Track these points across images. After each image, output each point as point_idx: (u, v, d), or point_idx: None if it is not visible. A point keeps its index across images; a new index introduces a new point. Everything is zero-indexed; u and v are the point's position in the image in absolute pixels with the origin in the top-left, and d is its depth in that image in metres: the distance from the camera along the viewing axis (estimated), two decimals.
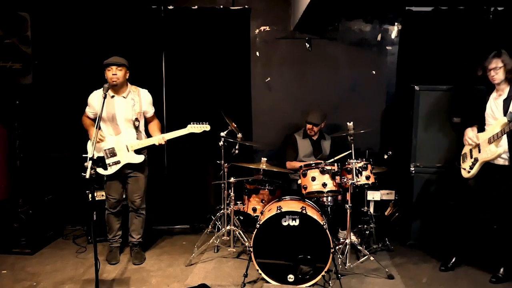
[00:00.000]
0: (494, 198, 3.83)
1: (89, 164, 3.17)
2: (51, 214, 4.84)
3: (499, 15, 4.73)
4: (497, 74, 3.65)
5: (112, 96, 4.00)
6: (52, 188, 4.98)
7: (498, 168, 3.72)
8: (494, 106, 3.75)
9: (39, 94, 4.91)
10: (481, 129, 3.87)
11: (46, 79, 4.88)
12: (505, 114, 3.65)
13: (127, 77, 4.04)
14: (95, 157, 3.33)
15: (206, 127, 4.09)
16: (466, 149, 3.98)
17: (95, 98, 4.06)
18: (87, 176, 3.15)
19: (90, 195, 3.66)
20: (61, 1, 4.91)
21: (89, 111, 4.12)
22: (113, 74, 3.91)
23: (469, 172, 3.85)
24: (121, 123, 4.02)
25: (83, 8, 4.93)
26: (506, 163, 3.69)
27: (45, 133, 5.07)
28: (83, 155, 3.99)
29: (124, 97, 4.03)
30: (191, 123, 4.08)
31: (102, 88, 3.67)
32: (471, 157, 3.87)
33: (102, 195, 4.53)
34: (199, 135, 4.06)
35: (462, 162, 3.97)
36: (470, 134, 3.86)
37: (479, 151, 3.79)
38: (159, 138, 4.04)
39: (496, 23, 4.72)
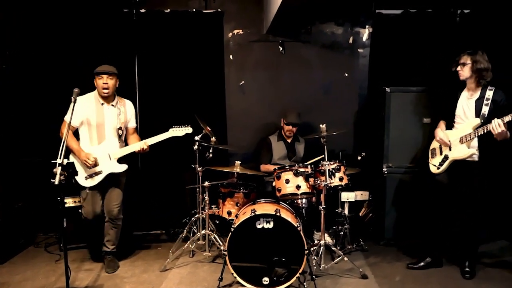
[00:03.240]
0: (465, 194, 3.90)
1: (58, 170, 3.12)
2: (22, 221, 4.73)
3: (465, 18, 4.88)
4: (463, 70, 3.75)
5: (102, 104, 3.96)
6: (23, 195, 4.85)
7: (468, 164, 3.81)
8: (466, 106, 3.82)
9: (8, 98, 4.80)
10: (448, 125, 3.96)
11: (15, 84, 4.78)
12: (477, 115, 3.73)
13: (117, 86, 4.01)
14: (64, 163, 3.25)
15: (188, 129, 4.04)
16: (435, 144, 4.05)
17: (81, 105, 3.87)
18: (56, 182, 3.09)
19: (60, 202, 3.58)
20: (30, 4, 4.82)
21: (74, 119, 3.83)
22: (104, 83, 3.87)
23: (438, 168, 3.92)
24: (108, 131, 3.97)
25: (53, 12, 4.85)
26: (476, 159, 3.79)
27: (15, 138, 4.94)
28: (53, 161, 3.92)
29: (113, 106, 4.00)
30: (173, 126, 4.04)
31: (93, 95, 3.67)
32: (441, 154, 3.94)
33: (75, 202, 4.47)
34: (173, 138, 4.03)
35: (432, 157, 4.04)
36: (441, 135, 3.92)
37: (450, 149, 3.86)
38: (140, 144, 3.96)
39: (462, 25, 4.87)
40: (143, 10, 4.96)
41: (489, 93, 3.70)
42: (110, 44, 4.93)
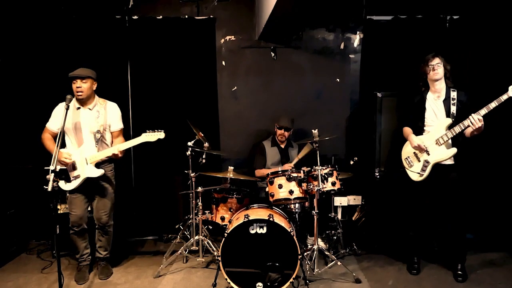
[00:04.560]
0: (444, 197, 3.98)
1: (51, 176, 3.12)
2: (13, 229, 4.70)
3: (455, 24, 4.93)
4: (439, 69, 3.84)
5: (78, 108, 3.92)
6: (14, 202, 4.83)
7: (445, 167, 3.89)
8: (435, 107, 3.91)
9: (0, 105, 4.80)
10: (417, 131, 4.02)
11: (6, 91, 4.78)
12: (447, 115, 3.84)
13: (93, 89, 3.95)
14: (57, 170, 3.25)
15: (161, 134, 3.90)
16: (408, 153, 4.08)
17: (61, 110, 3.85)
18: (49, 189, 3.09)
19: (52, 209, 3.55)
20: (22, 11, 4.82)
21: (53, 125, 3.96)
22: (77, 87, 3.83)
23: (421, 175, 3.95)
24: (85, 135, 3.92)
25: (47, 19, 4.86)
26: (451, 162, 3.88)
27: (7, 145, 4.93)
28: (45, 168, 3.91)
29: (90, 109, 3.95)
30: (146, 131, 3.92)
31: (65, 100, 3.62)
32: (419, 160, 3.98)
33: (66, 208, 4.44)
34: (167, 144, 4.02)
35: (409, 166, 4.06)
36: (418, 141, 3.95)
37: (428, 154, 3.91)
38: (113, 149, 3.87)
39: (452, 31, 4.92)
40: (135, 17, 4.97)
41: (454, 94, 3.86)
42: (103, 51, 4.94)
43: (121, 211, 4.77)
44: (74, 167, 3.89)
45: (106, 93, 4.16)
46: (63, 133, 3.84)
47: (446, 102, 3.87)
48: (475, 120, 3.59)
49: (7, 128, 4.92)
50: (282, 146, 4.87)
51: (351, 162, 4.83)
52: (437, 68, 3.84)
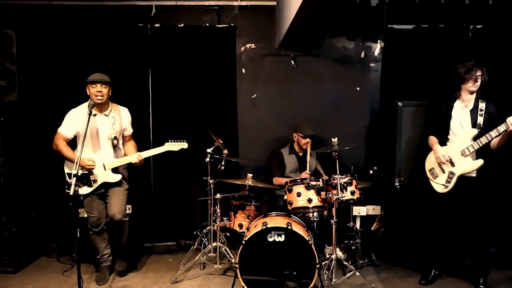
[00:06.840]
0: (467, 210, 3.90)
1: (73, 180, 3.17)
2: (35, 232, 4.78)
3: (478, 33, 4.88)
4: (480, 81, 3.75)
5: (94, 114, 3.96)
6: (36, 205, 4.92)
7: (468, 180, 3.81)
8: (462, 116, 3.84)
9: (24, 111, 4.90)
10: (441, 141, 3.96)
11: (31, 96, 4.88)
12: (473, 126, 3.76)
13: (110, 94, 4.03)
14: (79, 174, 3.30)
15: (184, 144, 4.03)
16: (432, 164, 4.01)
17: (75, 116, 3.97)
18: (71, 193, 3.14)
19: (74, 212, 3.60)
20: (47, 19, 4.94)
21: (68, 131, 3.97)
22: (97, 91, 3.88)
23: (446, 187, 3.87)
24: (102, 141, 3.99)
25: (70, 26, 4.96)
26: (474, 174, 3.80)
27: (30, 149, 5.03)
28: (67, 172, 3.97)
29: (106, 115, 4.01)
30: (169, 141, 4.08)
31: (87, 105, 3.68)
32: (443, 172, 3.91)
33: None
34: (186, 150, 4.06)
35: (434, 178, 3.99)
36: (443, 152, 3.89)
37: (453, 165, 3.84)
38: (136, 156, 3.98)
39: (475, 41, 4.86)
40: (157, 25, 5.04)
41: (482, 105, 3.78)
42: (125, 58, 5.01)
43: (140, 217, 4.82)
44: (90, 172, 3.94)
45: (127, 99, 4.24)
46: (77, 139, 3.98)
47: (474, 112, 3.79)
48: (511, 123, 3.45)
49: (31, 133, 5.02)
50: (300, 154, 4.85)
51: (371, 172, 4.78)
52: (479, 80, 3.75)
